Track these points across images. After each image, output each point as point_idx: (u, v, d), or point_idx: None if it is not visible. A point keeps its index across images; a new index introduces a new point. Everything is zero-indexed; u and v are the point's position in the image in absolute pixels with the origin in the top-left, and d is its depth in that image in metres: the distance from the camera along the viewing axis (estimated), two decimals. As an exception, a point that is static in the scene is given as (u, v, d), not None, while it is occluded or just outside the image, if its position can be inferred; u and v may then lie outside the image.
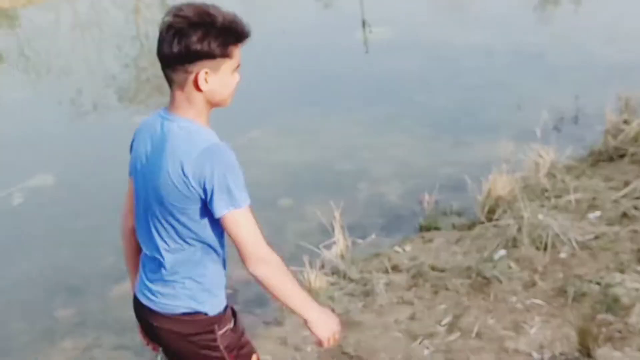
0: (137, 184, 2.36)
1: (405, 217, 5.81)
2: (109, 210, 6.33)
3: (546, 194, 5.43)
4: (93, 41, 12.02)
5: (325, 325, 2.38)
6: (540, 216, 4.82)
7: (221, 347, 2.38)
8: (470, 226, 5.35)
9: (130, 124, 8.34)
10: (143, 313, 2.43)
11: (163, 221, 2.28)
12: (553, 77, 8.16)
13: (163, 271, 2.33)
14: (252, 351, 2.52)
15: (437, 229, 5.48)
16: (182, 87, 2.20)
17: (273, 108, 8.09)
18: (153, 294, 2.37)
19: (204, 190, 2.17)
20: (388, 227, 5.75)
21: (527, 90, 7.76)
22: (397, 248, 5.24)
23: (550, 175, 5.68)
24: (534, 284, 4.31)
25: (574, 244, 4.59)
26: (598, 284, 4.16)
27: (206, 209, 2.22)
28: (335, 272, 4.90)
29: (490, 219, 5.18)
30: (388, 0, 12.22)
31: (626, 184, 5.32)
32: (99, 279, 5.36)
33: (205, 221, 2.26)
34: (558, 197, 5.32)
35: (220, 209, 2.18)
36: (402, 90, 8.34)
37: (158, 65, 2.21)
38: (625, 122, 6.20)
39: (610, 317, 3.85)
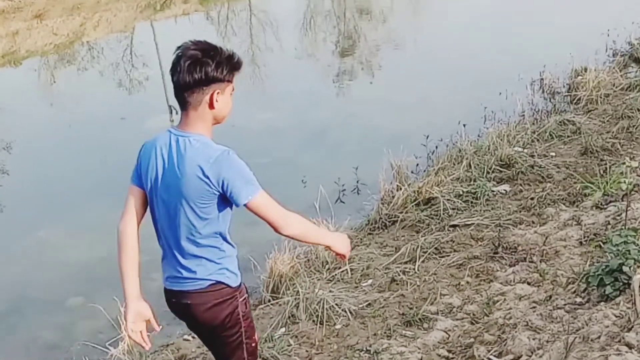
0: (156, 194, 2.90)
1: (196, 304, 5.83)
2: None
3: (326, 267, 5.68)
4: None
5: (342, 244, 3.17)
6: (316, 290, 5.04)
7: (240, 313, 3.01)
8: (257, 306, 5.48)
9: None
10: (176, 298, 3.02)
11: (186, 218, 2.86)
12: (337, 151, 8.59)
13: (189, 259, 2.91)
14: (254, 326, 3.18)
15: (226, 312, 5.56)
16: (196, 107, 2.83)
17: (64, 204, 7.90)
18: (184, 279, 2.95)
19: (223, 187, 2.78)
20: (180, 316, 5.76)
21: (312, 165, 8.11)
22: (186, 336, 5.25)
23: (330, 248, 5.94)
24: (310, 359, 4.47)
25: (348, 314, 4.83)
26: (368, 351, 4.39)
27: (221, 204, 2.85)
28: (121, 369, 4.86)
29: (275, 297, 5.34)
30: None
31: (397, 249, 5.68)
32: None
33: (220, 215, 2.87)
34: (337, 268, 5.58)
35: (244, 198, 2.80)
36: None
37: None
38: (398, 189, 6.65)
39: (376, 384, 4.07)
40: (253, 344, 3.14)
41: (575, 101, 8.28)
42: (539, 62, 9.68)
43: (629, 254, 3.88)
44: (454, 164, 6.95)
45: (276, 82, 12.56)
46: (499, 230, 5.52)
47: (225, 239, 2.96)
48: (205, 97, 2.82)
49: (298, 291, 5.02)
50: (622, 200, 5.25)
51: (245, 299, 3.04)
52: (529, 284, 4.68)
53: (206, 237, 2.90)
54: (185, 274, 2.95)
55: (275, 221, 2.88)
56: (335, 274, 5.47)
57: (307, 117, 10.06)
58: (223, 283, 2.95)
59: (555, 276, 4.65)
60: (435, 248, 5.49)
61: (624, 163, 3.93)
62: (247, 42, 16.56)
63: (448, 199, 6.11)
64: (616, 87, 8.29)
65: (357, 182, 7.36)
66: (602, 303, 3.87)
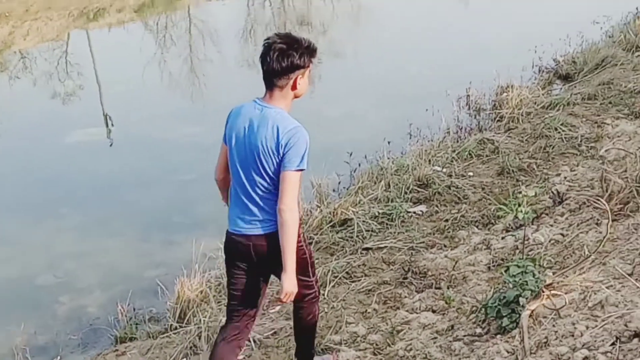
0: (236, 149, 3.50)
1: (103, 330, 5.62)
2: None
3: (238, 291, 5.51)
4: None
5: (293, 283, 3.50)
6: (221, 318, 4.88)
7: (304, 244, 3.69)
8: (162, 333, 5.29)
9: None
10: (245, 241, 3.57)
11: (257, 173, 3.45)
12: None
13: (265, 207, 3.49)
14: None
15: (133, 339, 5.36)
16: (282, 88, 3.45)
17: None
18: (259, 222, 3.52)
19: (285, 149, 3.34)
20: (85, 343, 5.55)
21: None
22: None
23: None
24: (204, 393, 4.31)
25: (252, 343, 4.68)
26: (264, 385, 4.26)
27: None
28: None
29: (182, 325, 5.15)
30: (109, 97, 12.00)
31: (310, 272, 5.54)
32: None
33: None
34: (247, 293, 5.41)
35: (287, 165, 3.36)
36: (115, 190, 8.19)
37: None
38: (317, 209, 6.52)
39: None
40: (314, 262, 3.91)
41: (498, 119, 8.26)
42: (467, 78, 9.66)
43: (526, 284, 3.81)
44: (375, 183, 6.85)
45: (214, 93, 12.34)
46: (411, 253, 5.43)
47: None
48: (290, 82, 3.43)
49: (202, 319, 4.85)
50: (532, 224, 5.22)
51: (303, 234, 3.72)
52: (434, 311, 4.60)
53: (274, 191, 3.46)
54: (262, 216, 3.51)
55: (287, 198, 3.38)
56: (244, 300, 5.31)
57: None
58: None
59: (460, 303, 4.57)
60: (347, 272, 5.38)
61: (520, 192, 3.86)
62: (187, 51, 16.31)
63: (363, 221, 6.00)
64: (537, 105, 8.28)
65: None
66: (499, 335, 3.80)
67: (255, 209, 3.52)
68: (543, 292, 3.33)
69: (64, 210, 7.77)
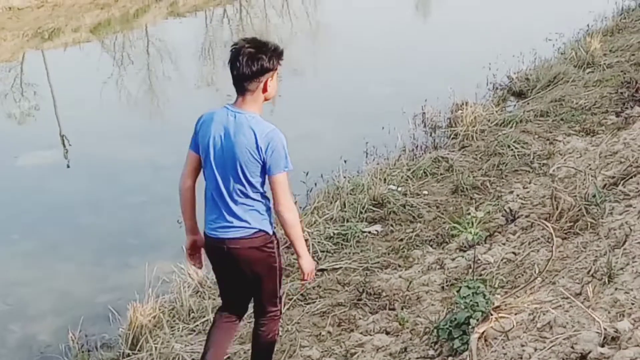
0: (214, 157, 3.55)
1: (54, 358, 5.49)
2: None
3: (192, 315, 5.45)
4: None
5: (310, 263, 3.78)
6: (173, 344, 4.82)
7: (275, 252, 3.72)
8: (114, 360, 5.20)
9: None
10: (221, 244, 3.66)
11: (236, 180, 3.53)
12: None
13: (238, 213, 3.58)
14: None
15: (84, 367, 5.26)
16: (252, 92, 3.53)
17: None
18: (233, 227, 3.61)
19: (267, 154, 3.44)
20: (36, 374, 5.44)
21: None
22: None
23: (198, 294, 5.72)
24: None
25: (205, 369, 4.61)
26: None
27: (264, 171, 3.50)
28: None
29: (135, 352, 5.06)
30: (65, 117, 11.80)
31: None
32: None
33: (262, 179, 3.54)
34: (201, 317, 5.35)
35: (275, 170, 3.49)
36: (68, 213, 8.06)
37: None
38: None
39: None
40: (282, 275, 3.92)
41: (453, 136, 8.32)
42: (423, 95, 9.71)
43: (477, 306, 3.81)
44: (330, 203, 6.83)
45: (172, 112, 12.23)
46: (366, 274, 5.42)
47: (266, 199, 3.64)
48: (260, 85, 3.52)
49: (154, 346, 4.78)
50: (485, 243, 5.25)
51: (276, 242, 3.75)
52: (387, 333, 4.58)
53: (252, 195, 3.56)
54: (236, 222, 3.60)
55: (282, 199, 3.54)
56: (198, 324, 5.25)
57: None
58: (264, 230, 3.65)
59: (414, 324, 4.57)
60: (301, 294, 5.34)
61: (469, 213, 3.87)
62: (144, 70, 16.18)
63: (319, 241, 5.98)
64: (491, 123, 8.35)
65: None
66: (451, 358, 3.80)
67: (230, 216, 3.61)
68: (492, 314, 3.33)
69: (15, 235, 7.63)
